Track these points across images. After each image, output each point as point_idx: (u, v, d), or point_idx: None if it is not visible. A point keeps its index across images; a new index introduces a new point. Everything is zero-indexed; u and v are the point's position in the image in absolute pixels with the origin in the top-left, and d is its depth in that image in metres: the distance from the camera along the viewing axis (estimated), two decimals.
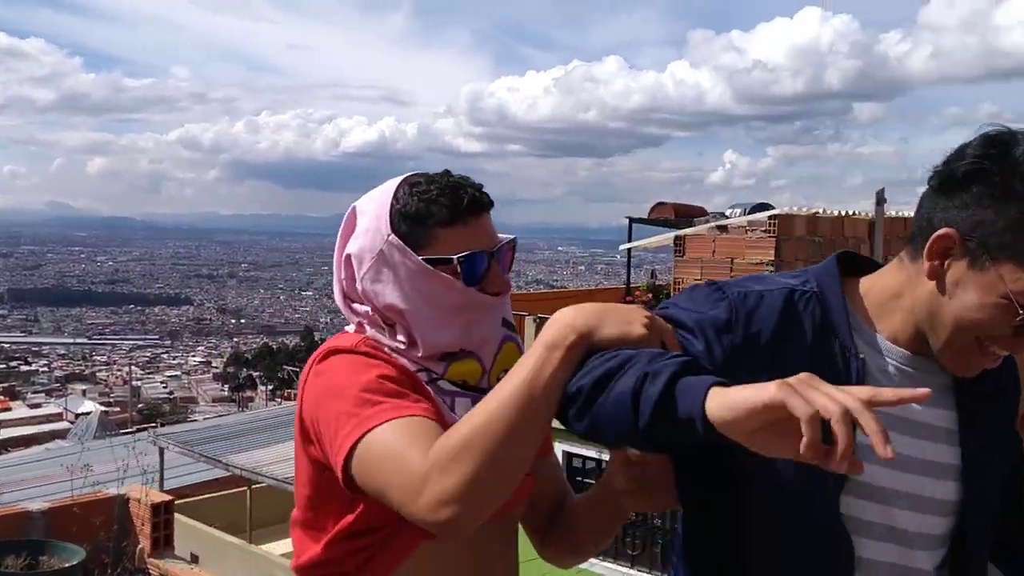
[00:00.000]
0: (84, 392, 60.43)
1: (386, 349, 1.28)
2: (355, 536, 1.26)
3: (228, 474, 12.09)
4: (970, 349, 1.09)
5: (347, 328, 1.35)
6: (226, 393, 63.20)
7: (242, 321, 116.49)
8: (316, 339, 66.18)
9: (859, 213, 8.28)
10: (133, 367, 61.71)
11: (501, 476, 1.09)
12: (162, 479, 11.75)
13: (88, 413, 38.20)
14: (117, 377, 71.53)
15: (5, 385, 59.08)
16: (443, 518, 1.07)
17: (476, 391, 1.28)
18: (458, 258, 1.25)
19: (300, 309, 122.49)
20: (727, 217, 11.33)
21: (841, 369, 1.10)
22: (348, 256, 1.31)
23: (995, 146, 1.04)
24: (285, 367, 48.52)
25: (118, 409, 45.12)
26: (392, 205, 1.29)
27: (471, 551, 1.31)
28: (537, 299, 12.29)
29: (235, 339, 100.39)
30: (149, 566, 4.38)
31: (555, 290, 13.13)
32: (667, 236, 10.57)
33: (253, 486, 11.82)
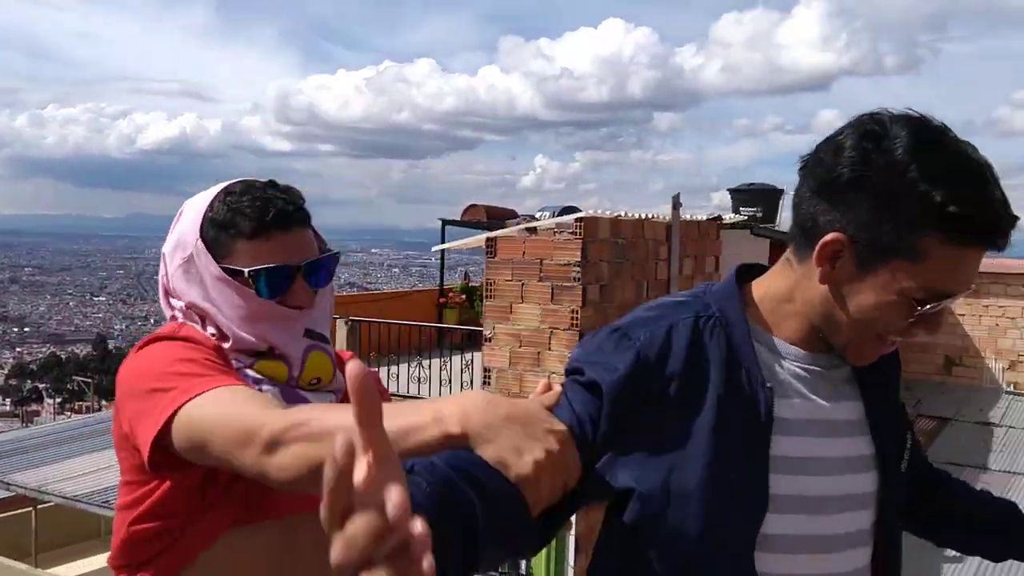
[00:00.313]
0: None
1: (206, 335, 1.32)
2: (160, 517, 1.28)
3: (10, 494, 11.20)
4: (870, 341, 1.12)
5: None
6: (8, 408, 58.10)
7: (26, 330, 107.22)
8: (109, 348, 62.13)
9: (658, 216, 8.76)
10: None
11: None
12: None
13: None
14: None
15: None
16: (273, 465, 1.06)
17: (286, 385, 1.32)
18: (249, 271, 1.30)
19: (92, 316, 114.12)
20: (537, 220, 11.67)
21: (749, 397, 1.10)
22: (171, 251, 1.36)
23: (869, 141, 1.04)
24: (75, 378, 45.22)
25: None
26: (207, 211, 1.32)
27: (285, 538, 1.33)
28: (351, 301, 12.13)
29: (18, 349, 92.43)
30: None
31: (368, 292, 13.00)
32: (479, 238, 10.72)
33: (39, 506, 11.00)
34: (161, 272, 1.38)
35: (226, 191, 1.33)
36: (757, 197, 14.82)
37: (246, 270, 1.30)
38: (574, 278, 7.63)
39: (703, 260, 9.42)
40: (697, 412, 1.06)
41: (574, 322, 7.57)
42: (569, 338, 7.66)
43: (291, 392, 1.33)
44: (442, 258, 13.47)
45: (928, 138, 1.04)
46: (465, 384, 8.79)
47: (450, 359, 9.11)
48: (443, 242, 12.90)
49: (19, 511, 11.75)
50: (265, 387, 1.30)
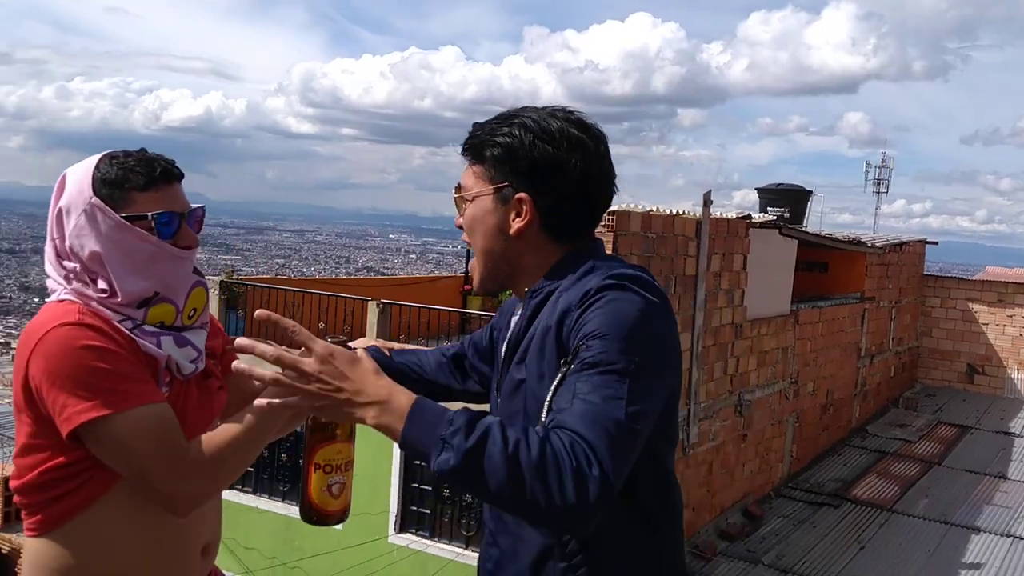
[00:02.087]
0: None
1: (94, 304, 1.49)
2: (65, 467, 1.46)
3: None
4: None
5: (52, 298, 1.55)
6: None
7: (47, 299, 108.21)
8: None
9: (688, 212, 8.78)
10: None
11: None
12: None
13: None
14: None
15: None
16: (186, 504, 1.46)
17: (175, 330, 1.55)
18: (152, 215, 1.51)
19: None
20: None
21: None
22: (60, 215, 1.53)
23: None
24: None
25: None
26: (95, 173, 1.52)
27: None
28: (379, 284, 12.24)
29: None
30: None
31: (395, 277, 13.06)
32: None
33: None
34: (53, 236, 1.55)
35: (109, 156, 1.54)
36: (785, 197, 14.78)
37: (150, 214, 1.51)
38: None
39: (731, 258, 9.45)
40: None
41: None
42: None
43: (180, 337, 1.56)
44: (469, 247, 13.51)
45: None
46: None
47: None
48: None
49: None
50: (163, 339, 1.52)
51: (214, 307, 10.39)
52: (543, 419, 1.30)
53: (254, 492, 10.15)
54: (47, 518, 1.49)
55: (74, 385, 1.40)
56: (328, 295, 10.60)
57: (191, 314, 1.59)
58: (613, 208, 8.16)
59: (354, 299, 10.15)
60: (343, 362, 1.28)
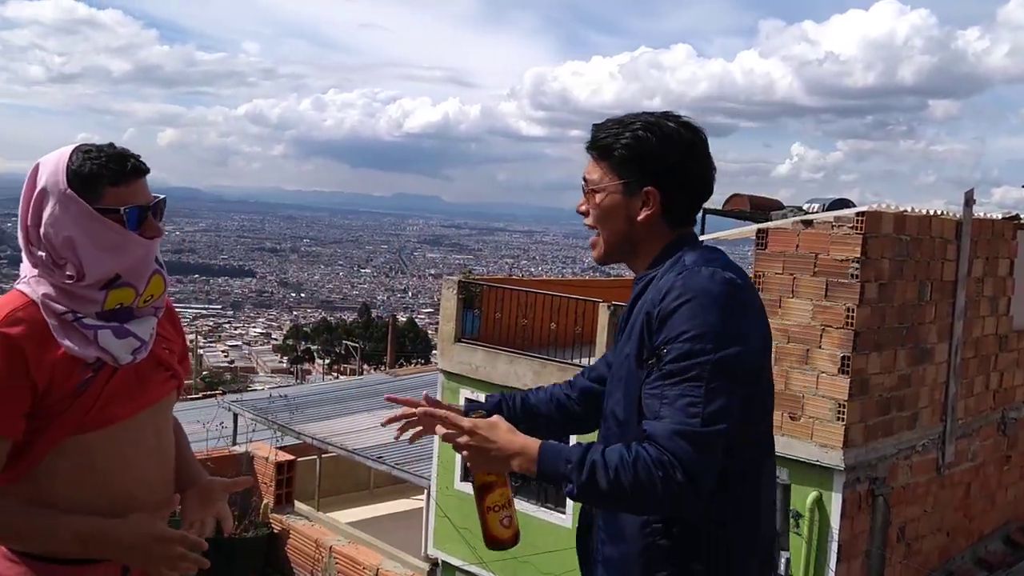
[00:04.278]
0: None
1: (51, 292, 1.66)
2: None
3: (298, 442, 12.38)
4: None
5: (18, 286, 1.71)
6: (284, 365, 64.28)
7: (302, 295, 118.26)
8: (373, 316, 66.79)
9: (946, 213, 8.13)
10: (197, 335, 63.16)
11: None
12: (234, 443, 12.07)
13: None
14: None
15: None
16: None
17: (117, 320, 1.70)
18: (124, 209, 1.68)
19: (358, 286, 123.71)
20: (804, 212, 11.19)
21: None
22: (36, 203, 1.67)
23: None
24: (344, 341, 49.14)
25: None
26: (68, 166, 1.66)
27: (121, 440, 1.73)
28: (610, 286, 12.32)
29: (295, 312, 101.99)
30: (272, 520, 4.57)
31: (620, 278, 13.01)
32: (747, 229, 10.47)
33: (323, 455, 12.09)
34: (27, 223, 1.69)
35: (82, 151, 1.68)
36: None
37: (121, 208, 1.67)
38: (851, 274, 7.24)
39: (995, 263, 8.64)
40: None
41: (849, 321, 7.20)
42: (842, 337, 7.30)
43: (121, 329, 1.71)
44: None
45: None
46: None
47: None
48: (703, 232, 12.71)
49: (307, 459, 12.73)
50: (100, 332, 1.68)
51: (452, 306, 10.86)
52: (635, 414, 1.63)
53: None
54: None
55: None
56: (559, 296, 10.74)
57: (148, 299, 1.77)
58: (862, 208, 7.71)
59: (585, 300, 10.26)
60: (485, 428, 1.66)
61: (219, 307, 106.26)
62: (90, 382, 1.69)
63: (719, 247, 1.99)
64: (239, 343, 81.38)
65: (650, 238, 1.75)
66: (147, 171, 1.75)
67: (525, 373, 10.14)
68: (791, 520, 7.43)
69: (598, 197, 1.76)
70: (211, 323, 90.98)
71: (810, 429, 7.59)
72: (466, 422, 1.68)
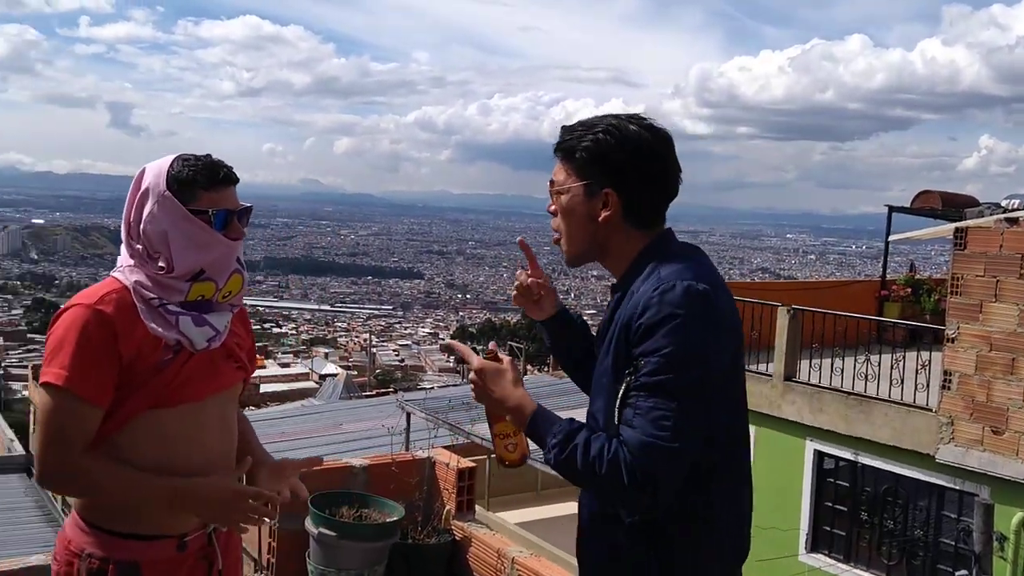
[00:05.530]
0: (326, 355, 65.27)
1: (144, 280, 1.89)
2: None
3: (467, 442, 12.57)
4: None
5: (114, 273, 1.93)
6: (451, 364, 65.98)
7: (468, 296, 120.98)
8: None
9: None
10: (370, 335, 65.79)
11: (98, 497, 1.90)
12: (407, 443, 12.40)
13: (334, 375, 41.14)
14: (355, 343, 76.66)
15: (260, 345, 64.74)
16: (42, 484, 1.88)
17: (197, 310, 1.92)
18: (212, 211, 1.91)
19: None
20: (1004, 209, 10.30)
21: None
22: (139, 201, 1.90)
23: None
24: (509, 343, 49.89)
25: (355, 372, 48.27)
26: (169, 171, 1.90)
27: (192, 418, 1.93)
28: (787, 288, 11.84)
29: (461, 313, 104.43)
30: (454, 527, 4.63)
31: (804, 282, 12.43)
32: (942, 228, 9.78)
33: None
34: (129, 219, 1.92)
35: (181, 158, 1.92)
36: None
37: (210, 210, 1.90)
38: None
39: None
40: None
41: None
42: None
43: (199, 318, 1.92)
44: (885, 248, 12.51)
45: None
46: (919, 387, 8.05)
47: (903, 357, 8.40)
48: (888, 230, 11.99)
49: (476, 458, 12.90)
50: (182, 319, 1.89)
51: None
52: (615, 421, 1.68)
53: None
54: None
55: (50, 352, 1.83)
56: (736, 299, 10.40)
57: (226, 295, 1.98)
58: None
59: (762, 304, 9.88)
60: (491, 373, 1.81)
61: (390, 307, 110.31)
62: (169, 362, 1.89)
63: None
64: (409, 342, 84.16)
65: (616, 239, 1.81)
66: (236, 180, 1.97)
67: None
68: (995, 543, 6.85)
69: (563, 199, 1.83)
70: (383, 323, 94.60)
71: (1016, 444, 6.98)
72: (475, 361, 1.83)
